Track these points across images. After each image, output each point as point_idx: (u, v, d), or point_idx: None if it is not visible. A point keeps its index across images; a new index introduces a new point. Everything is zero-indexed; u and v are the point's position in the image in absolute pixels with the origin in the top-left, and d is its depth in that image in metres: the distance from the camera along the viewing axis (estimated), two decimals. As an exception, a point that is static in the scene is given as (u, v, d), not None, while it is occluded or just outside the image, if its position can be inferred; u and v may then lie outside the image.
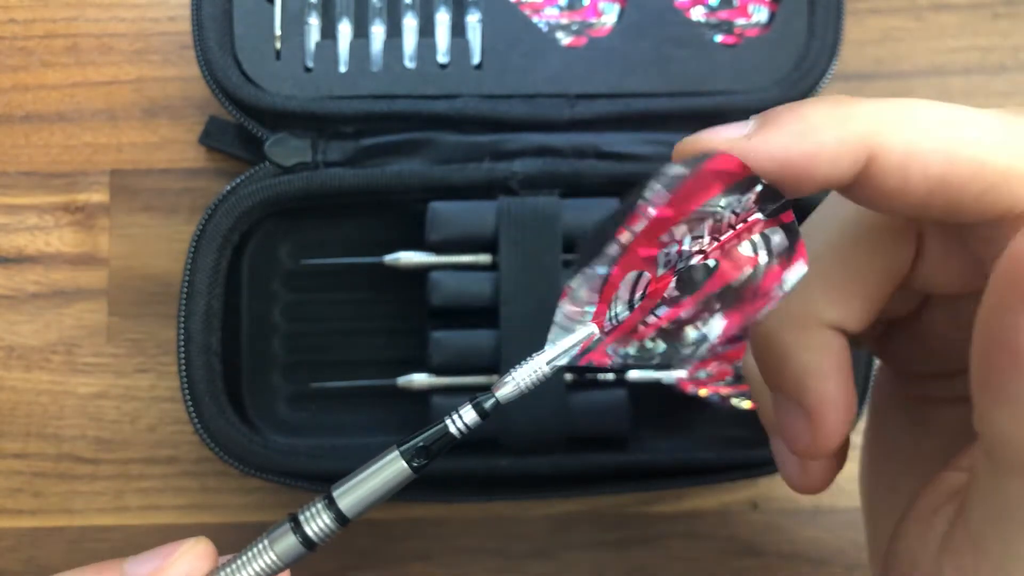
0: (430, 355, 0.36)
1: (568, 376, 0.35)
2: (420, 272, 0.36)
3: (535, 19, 0.38)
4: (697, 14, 0.38)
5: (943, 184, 0.18)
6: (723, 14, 0.38)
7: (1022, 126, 0.18)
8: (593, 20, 0.38)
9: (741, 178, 0.18)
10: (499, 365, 0.35)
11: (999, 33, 0.41)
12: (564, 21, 0.38)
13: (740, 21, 0.38)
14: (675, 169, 0.17)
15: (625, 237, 0.18)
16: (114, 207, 0.40)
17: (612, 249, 0.18)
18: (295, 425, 0.38)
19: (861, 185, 0.19)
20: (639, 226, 0.17)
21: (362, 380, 0.37)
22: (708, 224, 0.19)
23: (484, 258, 0.36)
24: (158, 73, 0.40)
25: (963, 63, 0.41)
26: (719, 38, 0.38)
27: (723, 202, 0.18)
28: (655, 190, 0.17)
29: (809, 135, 0.18)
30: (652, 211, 0.17)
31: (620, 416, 0.36)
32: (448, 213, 0.36)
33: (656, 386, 0.37)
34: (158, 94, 0.40)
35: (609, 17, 0.38)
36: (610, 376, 0.36)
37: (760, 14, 0.38)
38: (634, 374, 0.36)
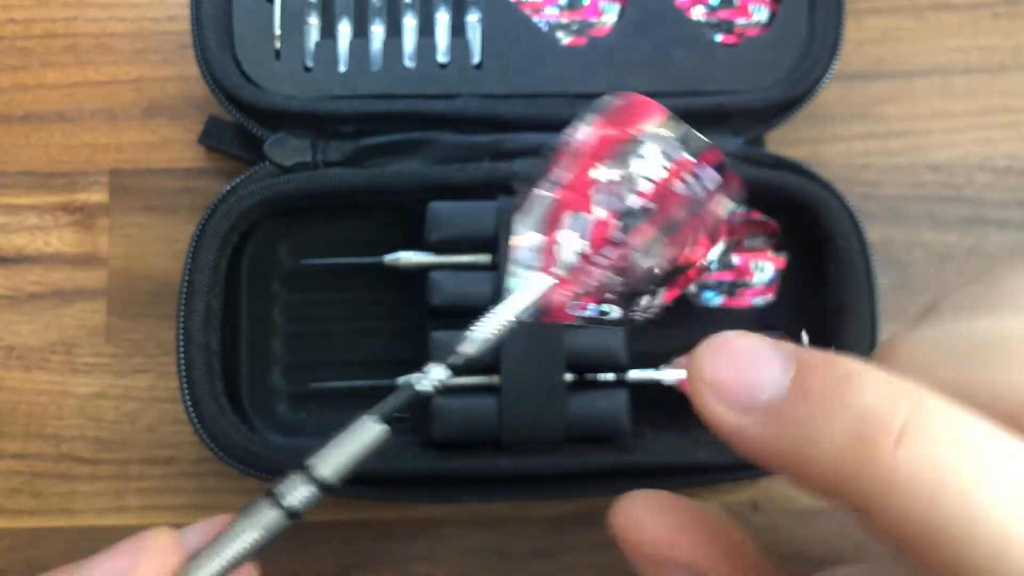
0: (430, 355, 0.36)
1: (568, 376, 0.35)
2: (420, 272, 0.36)
3: (535, 19, 0.38)
4: (697, 13, 0.38)
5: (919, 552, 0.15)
6: (723, 13, 0.38)
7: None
8: (593, 20, 0.38)
9: (663, 122, 0.18)
10: (499, 364, 0.35)
11: (1000, 32, 0.41)
12: (564, 21, 0.38)
13: (740, 20, 0.38)
14: (603, 100, 0.17)
15: (561, 165, 0.18)
16: (113, 207, 0.40)
17: (551, 177, 0.18)
18: (295, 425, 0.38)
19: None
20: (572, 152, 0.17)
21: (362, 380, 0.37)
22: (642, 166, 0.19)
23: (484, 258, 0.36)
24: (158, 73, 0.40)
25: (964, 63, 0.41)
26: (719, 38, 0.38)
27: (654, 147, 0.18)
28: (581, 120, 0.17)
29: (811, 463, 0.15)
30: (579, 136, 0.17)
31: (620, 416, 0.36)
32: (448, 213, 0.36)
33: (656, 386, 0.37)
34: (158, 94, 0.40)
35: (609, 17, 0.38)
36: (610, 376, 0.36)
37: (760, 14, 0.38)
38: (634, 374, 0.36)
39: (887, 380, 0.15)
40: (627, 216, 0.19)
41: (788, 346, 0.16)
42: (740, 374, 0.16)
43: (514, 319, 0.19)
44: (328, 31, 0.37)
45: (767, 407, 0.16)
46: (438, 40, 0.37)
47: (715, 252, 0.18)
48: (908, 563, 0.15)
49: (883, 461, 0.15)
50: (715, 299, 0.37)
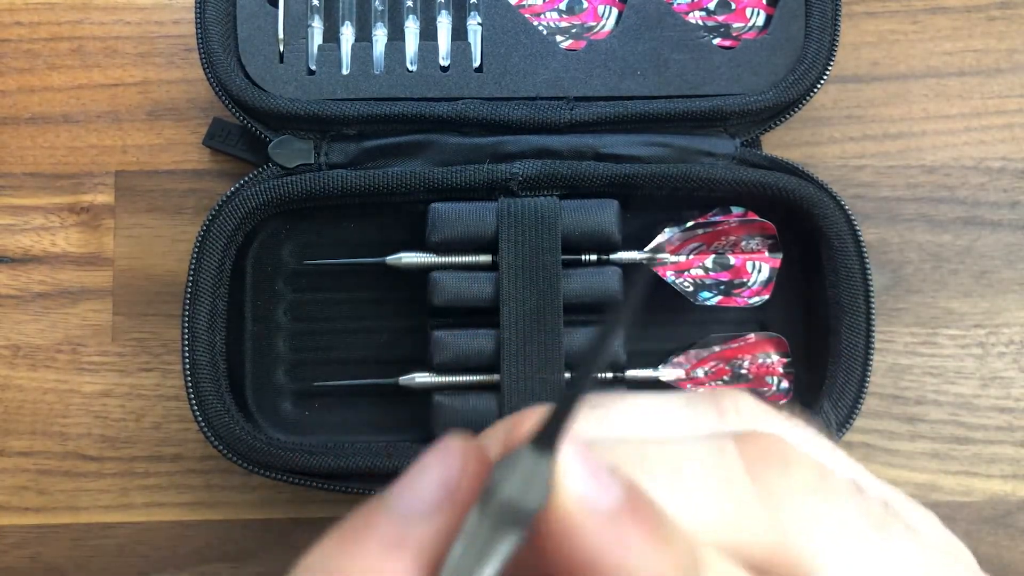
0: (431, 354, 0.36)
1: (568, 375, 0.36)
2: (421, 272, 0.36)
3: (535, 23, 0.38)
4: (695, 17, 0.38)
5: None
6: (720, 17, 0.38)
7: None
8: (592, 23, 0.38)
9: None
10: (499, 364, 0.35)
11: (994, 35, 0.42)
12: (563, 24, 0.38)
13: (737, 24, 0.38)
14: None
15: None
16: (119, 208, 0.40)
17: None
18: (298, 423, 0.38)
19: None
20: None
21: (364, 379, 0.37)
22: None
23: (484, 258, 0.36)
24: (163, 76, 0.41)
25: (958, 65, 0.41)
26: (716, 41, 0.38)
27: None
28: None
29: None
30: None
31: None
32: (449, 214, 0.36)
33: (655, 384, 0.37)
34: (163, 96, 0.41)
35: (608, 21, 0.38)
36: (609, 375, 0.36)
37: (757, 17, 0.38)
38: (632, 373, 0.37)
39: (686, 537, 0.16)
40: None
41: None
42: (592, 466, 0.16)
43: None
44: (331, 35, 0.38)
45: (610, 512, 0.15)
46: (440, 44, 0.38)
47: None
48: None
49: None
50: (711, 299, 0.38)
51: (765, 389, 0.38)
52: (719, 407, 0.20)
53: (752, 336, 0.38)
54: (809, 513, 0.18)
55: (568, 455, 0.15)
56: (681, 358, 0.38)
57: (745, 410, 0.20)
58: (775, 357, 0.38)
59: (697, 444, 0.18)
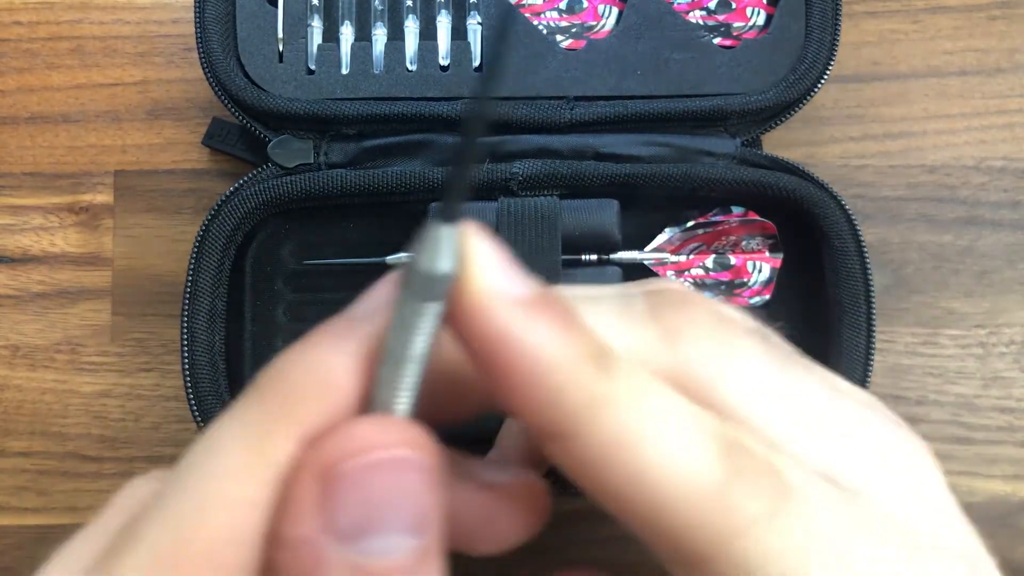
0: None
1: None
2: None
3: (535, 22, 0.38)
4: (695, 17, 0.38)
5: (622, 504, 0.18)
6: (721, 17, 0.38)
7: (730, 477, 0.17)
8: (592, 23, 0.38)
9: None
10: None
11: (995, 35, 0.42)
12: (563, 24, 0.38)
13: (738, 24, 0.38)
14: None
15: None
16: (118, 208, 0.40)
17: None
18: (297, 423, 0.38)
19: (547, 445, 0.18)
20: None
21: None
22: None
23: (484, 258, 0.36)
24: (162, 75, 0.41)
25: (959, 65, 0.41)
26: (717, 41, 0.38)
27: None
28: None
29: (548, 361, 0.17)
30: None
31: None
32: (449, 214, 0.36)
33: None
34: (162, 96, 0.41)
35: (608, 20, 0.38)
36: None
37: (758, 17, 0.38)
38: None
39: (594, 333, 0.18)
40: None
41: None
42: (503, 260, 0.17)
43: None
44: (331, 34, 0.38)
45: (522, 300, 0.17)
46: (439, 43, 0.38)
47: None
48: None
49: (600, 379, 0.17)
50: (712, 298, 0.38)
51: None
52: (645, 288, 0.22)
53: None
54: (704, 342, 0.19)
55: (478, 240, 0.17)
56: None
57: (672, 284, 0.22)
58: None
59: (609, 295, 0.21)
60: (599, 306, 0.20)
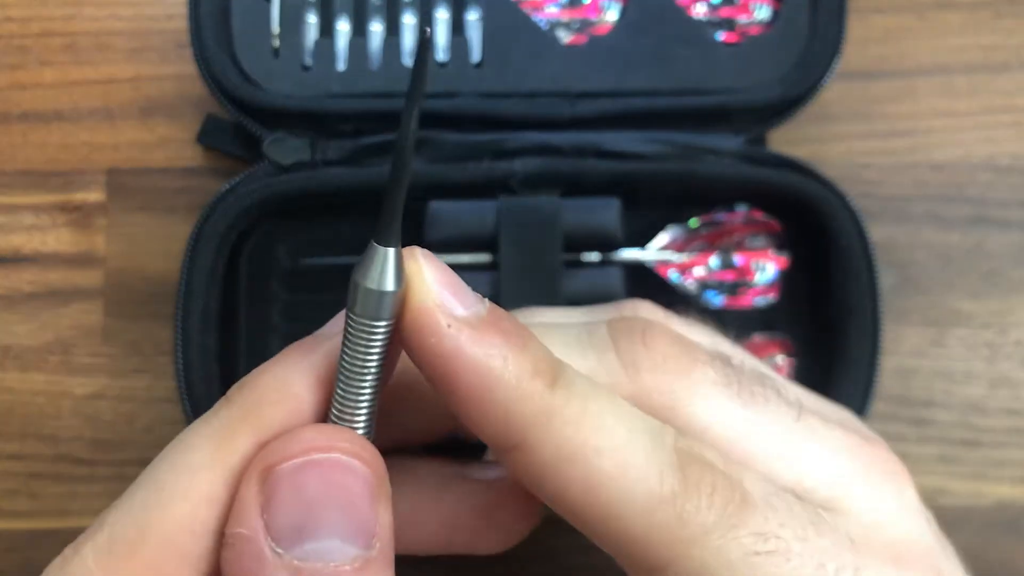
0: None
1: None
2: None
3: (535, 17, 0.37)
4: (699, 12, 0.38)
5: (576, 515, 0.18)
6: (725, 12, 0.38)
7: (679, 487, 0.18)
8: (594, 18, 0.38)
9: None
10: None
11: (1002, 31, 0.41)
12: (565, 19, 0.38)
13: (742, 19, 0.38)
14: None
15: None
16: (111, 206, 0.39)
17: None
18: (293, 426, 0.37)
19: (502, 457, 0.19)
20: None
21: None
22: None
23: (484, 258, 0.36)
24: (155, 71, 0.40)
25: (966, 61, 0.41)
26: (721, 36, 0.37)
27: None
28: None
29: (494, 381, 0.17)
30: None
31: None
32: (447, 212, 0.35)
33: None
34: (155, 92, 0.40)
35: (610, 15, 0.38)
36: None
37: (762, 12, 0.38)
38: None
39: (546, 349, 0.19)
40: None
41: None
42: (451, 281, 0.18)
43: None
44: (327, 29, 0.37)
45: (469, 320, 0.17)
46: (438, 38, 0.37)
47: None
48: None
49: (548, 394, 0.18)
50: (716, 299, 0.37)
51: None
52: (619, 309, 0.23)
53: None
54: (662, 375, 0.20)
55: (425, 261, 0.18)
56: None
57: (642, 309, 0.24)
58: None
59: (575, 324, 0.22)
60: (563, 333, 0.21)
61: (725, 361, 0.22)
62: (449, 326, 0.17)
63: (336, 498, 0.17)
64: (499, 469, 0.22)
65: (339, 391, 0.18)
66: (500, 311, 0.18)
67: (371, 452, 0.18)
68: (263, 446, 0.18)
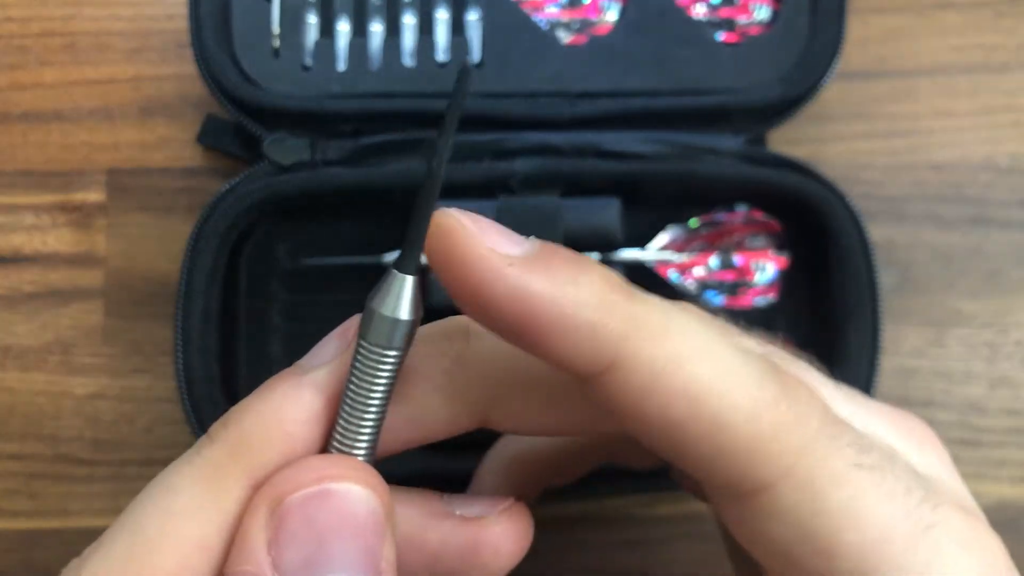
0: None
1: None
2: (420, 272, 0.36)
3: (535, 17, 0.37)
4: (699, 12, 0.38)
5: (678, 431, 0.17)
6: (725, 12, 0.38)
7: (780, 393, 0.17)
8: (594, 18, 0.38)
9: None
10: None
11: (1003, 31, 0.41)
12: (565, 19, 0.38)
13: (742, 19, 0.38)
14: None
15: None
16: (111, 206, 0.39)
17: None
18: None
19: (593, 384, 0.17)
20: None
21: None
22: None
23: (484, 258, 0.36)
24: (155, 71, 0.40)
25: (967, 61, 0.41)
26: (721, 36, 0.37)
27: None
28: None
29: (573, 304, 0.16)
30: None
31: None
32: (448, 212, 0.35)
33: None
34: (155, 93, 0.40)
35: (610, 15, 0.38)
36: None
37: (762, 12, 0.38)
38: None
39: (604, 271, 0.18)
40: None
41: None
42: (493, 226, 0.18)
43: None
44: (327, 30, 0.37)
45: (526, 256, 0.17)
46: (438, 38, 0.37)
47: None
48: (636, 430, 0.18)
49: (629, 305, 0.17)
50: (716, 299, 0.37)
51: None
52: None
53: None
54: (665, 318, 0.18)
55: (454, 212, 0.18)
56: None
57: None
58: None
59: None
60: None
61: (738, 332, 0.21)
62: (511, 265, 0.17)
63: (346, 531, 0.16)
64: (484, 504, 0.21)
65: (343, 419, 0.18)
66: (550, 243, 0.18)
67: (381, 483, 0.17)
68: (257, 488, 0.17)
